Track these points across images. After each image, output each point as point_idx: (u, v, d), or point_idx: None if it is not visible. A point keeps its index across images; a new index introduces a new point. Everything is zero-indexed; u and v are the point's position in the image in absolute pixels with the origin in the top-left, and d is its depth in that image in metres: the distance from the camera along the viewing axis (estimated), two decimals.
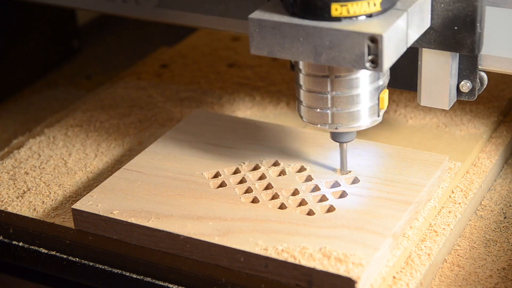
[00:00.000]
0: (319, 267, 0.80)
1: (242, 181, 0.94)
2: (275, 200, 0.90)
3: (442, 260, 0.90)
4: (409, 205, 0.88)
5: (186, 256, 0.86)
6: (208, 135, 1.01)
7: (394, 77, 0.92)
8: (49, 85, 1.31)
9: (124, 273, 0.89)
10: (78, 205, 0.91)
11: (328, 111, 0.87)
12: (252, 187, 0.92)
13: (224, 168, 0.96)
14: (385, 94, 0.88)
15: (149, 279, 0.88)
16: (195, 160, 0.97)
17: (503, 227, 0.94)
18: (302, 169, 0.95)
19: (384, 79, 0.88)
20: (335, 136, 0.92)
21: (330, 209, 0.88)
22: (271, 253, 0.82)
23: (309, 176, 0.93)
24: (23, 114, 1.23)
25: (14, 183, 1.00)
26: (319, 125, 0.88)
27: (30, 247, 0.93)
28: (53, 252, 0.92)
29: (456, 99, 0.93)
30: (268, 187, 0.93)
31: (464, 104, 1.10)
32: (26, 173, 1.02)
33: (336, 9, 0.80)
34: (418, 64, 0.92)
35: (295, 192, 0.91)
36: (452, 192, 0.96)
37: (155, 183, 0.93)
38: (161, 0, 1.08)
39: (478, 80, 0.91)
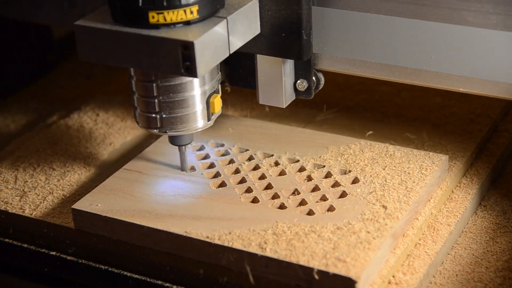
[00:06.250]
0: (319, 267, 0.81)
1: (242, 181, 0.94)
2: (275, 200, 0.90)
3: (442, 260, 0.90)
4: (409, 205, 0.88)
5: (186, 256, 0.86)
6: (208, 135, 1.01)
7: (236, 76, 0.94)
8: (49, 85, 1.31)
9: (124, 273, 0.89)
10: (78, 205, 0.91)
11: (157, 116, 0.89)
12: (252, 187, 0.92)
13: (224, 168, 0.96)
14: (216, 98, 0.90)
15: (149, 279, 0.88)
16: (195, 160, 0.97)
17: (503, 227, 0.94)
18: (302, 169, 0.95)
19: (213, 84, 0.90)
20: (171, 140, 0.93)
21: (330, 209, 0.88)
22: (271, 253, 0.82)
23: (309, 176, 0.94)
24: (23, 114, 1.23)
25: (14, 183, 1.00)
26: (154, 130, 0.90)
27: (30, 247, 0.93)
28: (53, 252, 0.92)
29: (294, 97, 0.96)
30: (268, 187, 0.93)
31: (464, 104, 1.10)
32: (26, 173, 1.02)
33: (153, 17, 0.82)
34: (255, 65, 0.95)
35: (295, 192, 0.91)
36: (452, 191, 0.96)
37: (155, 183, 0.94)
38: None
39: (313, 79, 0.94)
